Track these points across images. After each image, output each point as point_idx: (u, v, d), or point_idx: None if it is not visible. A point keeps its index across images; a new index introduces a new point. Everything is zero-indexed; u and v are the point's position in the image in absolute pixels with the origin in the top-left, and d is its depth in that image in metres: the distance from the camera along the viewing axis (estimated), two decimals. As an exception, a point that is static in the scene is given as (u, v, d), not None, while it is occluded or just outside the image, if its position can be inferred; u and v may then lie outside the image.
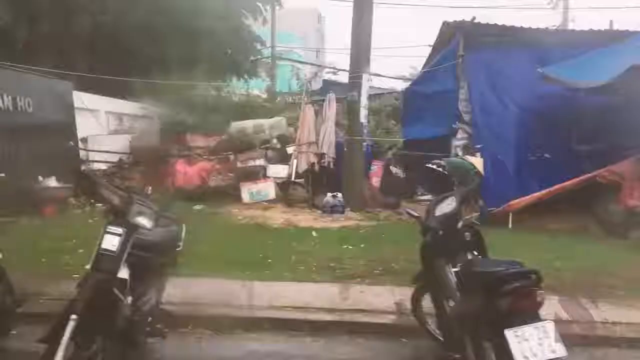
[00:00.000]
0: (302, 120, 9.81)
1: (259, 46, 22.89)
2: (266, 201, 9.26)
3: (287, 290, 5.03)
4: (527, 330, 2.60)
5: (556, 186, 8.05)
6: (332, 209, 8.54)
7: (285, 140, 10.83)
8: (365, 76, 8.99)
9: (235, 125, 11.10)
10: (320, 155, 9.54)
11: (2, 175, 7.58)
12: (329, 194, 8.61)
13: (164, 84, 14.12)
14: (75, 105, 10.33)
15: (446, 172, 4.04)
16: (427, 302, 4.07)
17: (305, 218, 8.54)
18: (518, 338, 2.59)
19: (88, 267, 3.06)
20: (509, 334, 2.60)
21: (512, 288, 2.64)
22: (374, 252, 6.40)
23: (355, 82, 9.07)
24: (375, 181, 10.06)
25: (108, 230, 3.05)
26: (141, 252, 3.30)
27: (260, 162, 10.00)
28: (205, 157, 10.31)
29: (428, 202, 9.22)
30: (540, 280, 2.69)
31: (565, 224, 8.37)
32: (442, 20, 9.55)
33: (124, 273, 3.13)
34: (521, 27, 9.12)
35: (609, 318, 4.61)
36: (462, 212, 3.66)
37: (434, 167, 4.16)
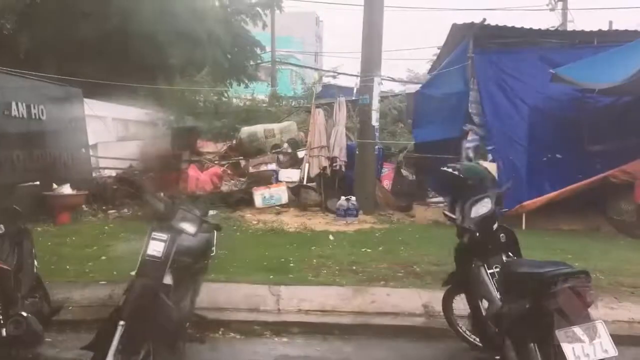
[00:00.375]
0: (313, 124, 9.82)
1: (258, 51, 22.94)
2: (279, 205, 9.25)
3: (313, 294, 5.01)
4: (579, 330, 2.60)
5: (569, 186, 8.11)
6: (345, 213, 8.53)
7: (295, 144, 10.87)
8: (376, 79, 9.03)
9: (246, 130, 11.13)
10: (332, 159, 9.54)
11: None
12: (343, 198, 8.60)
13: (168, 90, 14.16)
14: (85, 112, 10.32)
15: (462, 175, 4.04)
16: (457, 304, 4.10)
17: (319, 222, 8.56)
18: (569, 338, 2.59)
19: (133, 273, 3.08)
20: (560, 334, 2.60)
21: (562, 288, 2.65)
22: (393, 255, 6.43)
23: (366, 85, 9.10)
24: (387, 184, 10.09)
25: (153, 236, 3.06)
26: (180, 257, 3.31)
27: (272, 166, 10.03)
28: (216, 162, 10.31)
29: (440, 205, 9.25)
30: (589, 280, 2.70)
31: (578, 224, 8.45)
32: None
33: (167, 279, 3.14)
34: (531, 28, 9.17)
35: (635, 317, 4.63)
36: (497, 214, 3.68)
37: (450, 170, 4.15)
